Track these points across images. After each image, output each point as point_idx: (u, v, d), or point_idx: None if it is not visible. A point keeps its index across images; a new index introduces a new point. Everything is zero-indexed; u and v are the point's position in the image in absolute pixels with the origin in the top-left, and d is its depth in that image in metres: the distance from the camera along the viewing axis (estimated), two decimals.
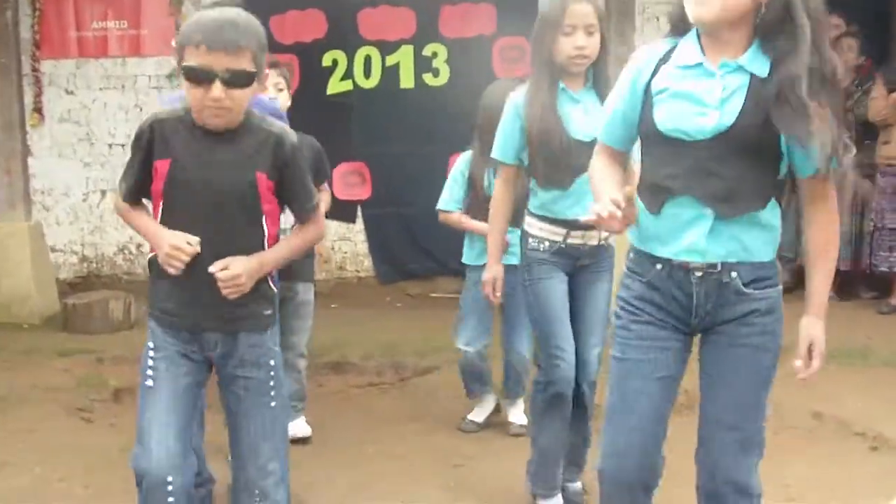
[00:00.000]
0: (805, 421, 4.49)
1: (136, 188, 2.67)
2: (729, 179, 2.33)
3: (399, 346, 5.73)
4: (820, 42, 2.25)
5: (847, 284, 6.95)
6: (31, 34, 7.31)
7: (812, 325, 2.41)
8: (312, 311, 4.33)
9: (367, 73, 7.49)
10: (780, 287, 2.48)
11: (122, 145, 7.48)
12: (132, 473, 2.64)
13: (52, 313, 6.59)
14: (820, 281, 2.43)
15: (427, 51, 7.44)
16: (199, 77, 2.44)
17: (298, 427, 4.32)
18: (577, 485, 3.68)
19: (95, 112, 7.55)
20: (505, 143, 3.42)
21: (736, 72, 2.33)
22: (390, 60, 7.46)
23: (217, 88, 2.44)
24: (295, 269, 3.93)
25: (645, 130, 2.45)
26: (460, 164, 4.40)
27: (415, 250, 7.56)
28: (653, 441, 2.52)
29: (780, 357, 2.48)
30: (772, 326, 2.44)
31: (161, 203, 2.60)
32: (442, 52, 7.43)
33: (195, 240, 2.53)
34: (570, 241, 3.39)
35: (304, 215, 2.72)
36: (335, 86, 7.46)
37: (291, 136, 2.63)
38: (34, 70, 7.37)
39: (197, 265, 2.55)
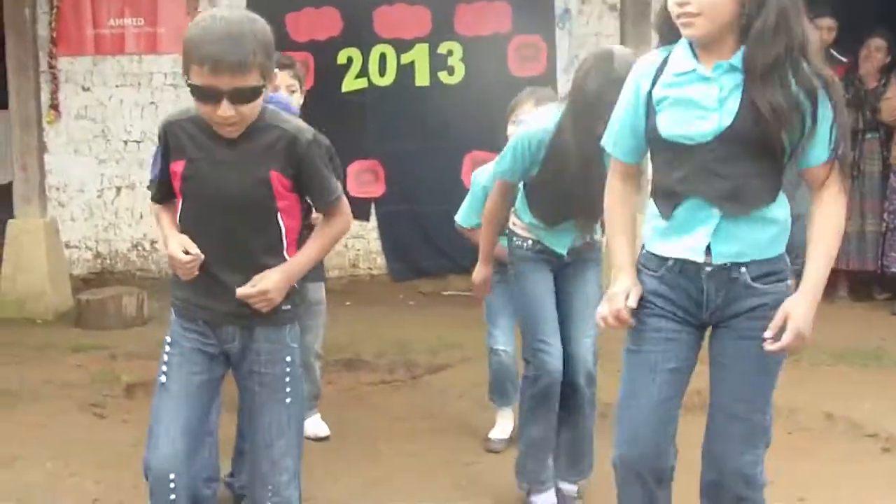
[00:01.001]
0: (817, 422, 4.47)
1: (159, 188, 2.71)
2: (734, 178, 2.38)
3: (411, 343, 5.74)
4: (791, 25, 2.30)
5: (860, 285, 6.94)
6: (48, 31, 7.35)
7: (795, 302, 2.39)
8: (325, 309, 4.33)
9: (382, 71, 7.49)
10: (790, 282, 2.51)
11: (138, 142, 7.52)
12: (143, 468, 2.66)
13: (66, 309, 6.62)
14: (816, 262, 2.41)
15: (442, 49, 7.44)
16: (206, 96, 2.42)
17: (317, 426, 4.34)
18: (573, 488, 3.66)
19: (111, 109, 7.58)
20: (514, 165, 3.40)
21: (730, 72, 2.37)
22: (405, 58, 7.46)
23: (225, 107, 2.41)
24: None
25: (651, 139, 2.51)
26: (481, 178, 4.22)
27: (428, 248, 7.56)
28: (663, 430, 2.57)
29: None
30: None
31: (181, 202, 2.62)
32: (457, 50, 7.43)
33: (193, 247, 2.54)
34: (549, 247, 3.49)
35: (326, 209, 2.69)
36: (350, 83, 7.47)
37: (307, 132, 2.60)
38: (51, 67, 7.41)
39: (215, 262, 2.57)
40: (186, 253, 2.54)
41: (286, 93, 3.94)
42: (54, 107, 7.48)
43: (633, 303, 2.54)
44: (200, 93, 2.43)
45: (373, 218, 7.68)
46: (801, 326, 2.36)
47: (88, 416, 4.65)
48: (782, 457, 4.01)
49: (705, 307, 2.50)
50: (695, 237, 2.45)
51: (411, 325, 6.27)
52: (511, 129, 3.92)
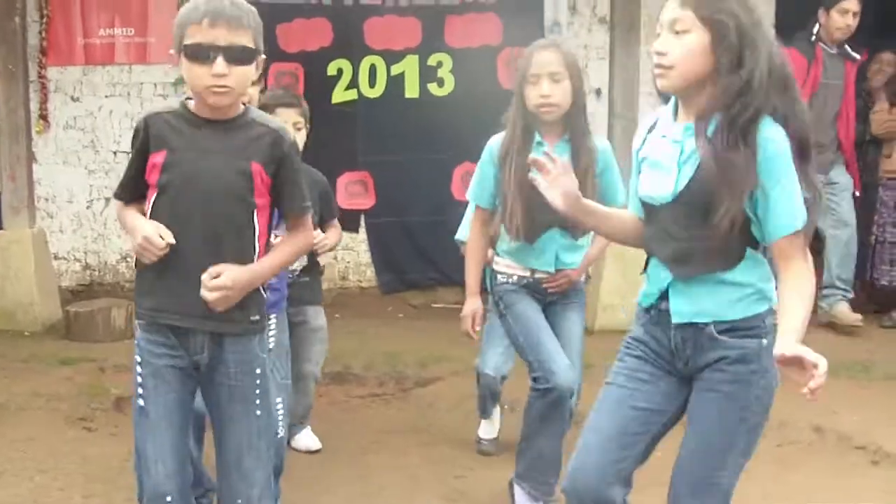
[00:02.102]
0: (806, 435, 4.49)
1: (129, 184, 2.67)
2: (684, 241, 2.39)
3: (401, 356, 5.73)
4: (761, 89, 2.27)
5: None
6: (38, 41, 7.32)
7: (793, 342, 2.20)
8: (325, 335, 4.30)
9: (372, 83, 7.49)
10: (764, 341, 2.39)
11: (127, 153, 7.41)
12: (132, 483, 2.67)
13: (55, 321, 6.59)
14: (793, 312, 2.27)
15: (432, 60, 7.44)
16: (201, 53, 2.48)
17: (307, 439, 4.33)
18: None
19: (101, 119, 7.55)
20: (481, 188, 3.50)
21: (693, 132, 2.36)
22: (395, 70, 7.46)
23: (220, 64, 2.47)
24: (302, 294, 3.93)
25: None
26: None
27: (417, 260, 7.55)
28: (611, 465, 2.49)
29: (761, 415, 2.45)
30: (743, 376, 2.39)
31: (155, 195, 2.59)
32: (447, 61, 7.43)
33: (167, 233, 2.52)
34: (537, 276, 3.53)
35: (295, 216, 2.69)
36: (340, 94, 7.46)
37: (289, 133, 2.66)
38: (40, 76, 7.38)
39: (184, 258, 2.54)
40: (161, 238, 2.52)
41: (292, 130, 3.89)
42: (43, 117, 7.45)
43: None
44: (196, 50, 2.48)
45: (362, 230, 7.67)
46: (813, 356, 2.16)
47: (77, 430, 4.63)
48: (772, 470, 4.04)
49: (677, 356, 2.49)
50: (658, 294, 2.49)
51: (401, 338, 6.26)
52: None
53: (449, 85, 7.47)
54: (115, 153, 7.54)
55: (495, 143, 3.44)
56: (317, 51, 7.38)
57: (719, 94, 2.30)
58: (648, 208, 2.50)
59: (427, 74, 7.44)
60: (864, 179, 6.71)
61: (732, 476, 2.48)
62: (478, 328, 3.65)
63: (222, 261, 2.55)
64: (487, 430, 4.48)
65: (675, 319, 2.45)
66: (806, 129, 2.33)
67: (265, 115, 2.69)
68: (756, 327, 2.41)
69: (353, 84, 7.45)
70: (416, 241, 7.50)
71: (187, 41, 2.49)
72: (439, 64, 7.45)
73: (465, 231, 4.23)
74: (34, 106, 7.21)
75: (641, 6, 6.36)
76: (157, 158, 2.57)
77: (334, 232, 4.11)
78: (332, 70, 7.42)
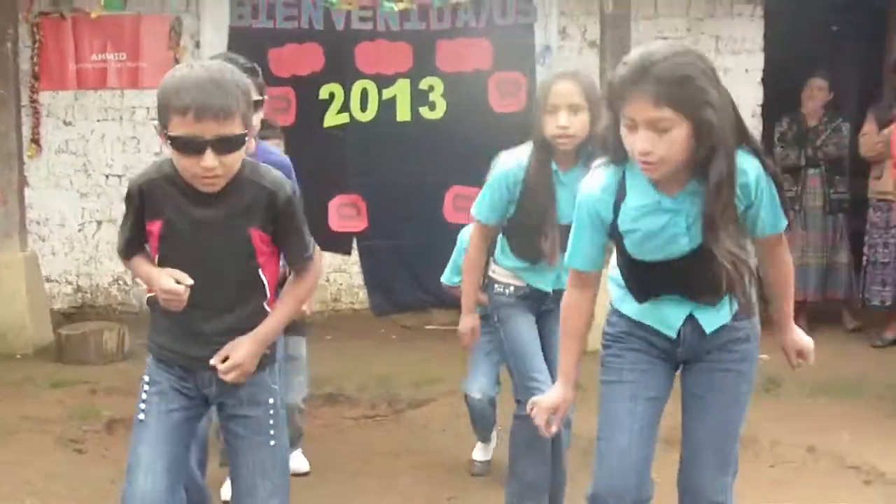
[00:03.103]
0: (799, 454, 4.48)
1: (130, 245, 2.65)
2: (710, 278, 2.44)
3: (394, 378, 5.72)
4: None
5: (836, 318, 7.01)
6: (30, 65, 7.35)
7: (794, 331, 2.74)
8: (306, 365, 4.28)
9: (364, 106, 7.52)
10: (756, 318, 2.65)
11: (119, 176, 7.50)
12: None
13: (46, 343, 6.57)
14: (787, 307, 2.72)
15: (423, 84, 7.48)
16: (188, 147, 2.35)
17: (297, 461, 4.31)
18: None
19: (93, 143, 7.57)
20: (491, 207, 3.45)
21: (691, 196, 2.42)
22: (387, 94, 7.49)
23: (209, 158, 2.35)
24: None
25: (619, 252, 2.58)
26: (466, 237, 4.29)
27: (410, 282, 7.56)
28: (643, 461, 2.59)
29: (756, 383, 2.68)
30: (750, 353, 2.62)
31: (157, 259, 2.59)
32: (438, 85, 7.47)
33: (183, 276, 2.50)
34: (534, 286, 3.51)
35: (298, 265, 2.67)
36: (332, 118, 7.49)
37: (285, 187, 2.55)
38: (32, 101, 7.40)
39: (194, 318, 2.55)
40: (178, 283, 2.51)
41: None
42: (35, 141, 7.46)
43: (554, 427, 2.69)
44: (183, 144, 2.35)
45: (354, 252, 7.68)
46: (809, 341, 2.74)
47: (68, 452, 4.61)
48: (764, 490, 4.04)
49: (679, 345, 2.59)
50: (666, 318, 2.57)
51: (393, 360, 6.25)
52: None
53: (440, 109, 7.50)
54: (107, 177, 7.55)
55: (512, 166, 3.39)
56: (308, 75, 7.41)
57: (695, 158, 2.36)
58: (653, 265, 2.51)
59: (418, 98, 7.48)
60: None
61: (737, 449, 2.65)
62: (474, 343, 3.65)
63: (232, 312, 2.56)
64: (481, 452, 4.47)
65: (708, 330, 2.56)
66: (771, 162, 2.51)
67: (258, 170, 2.55)
68: (752, 306, 2.60)
69: (345, 108, 7.49)
70: (409, 264, 7.51)
71: (172, 132, 2.36)
72: (431, 88, 7.49)
73: (452, 275, 4.31)
74: (26, 130, 7.23)
75: (631, 31, 6.41)
76: (154, 228, 2.54)
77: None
78: (323, 94, 7.45)
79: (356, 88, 7.47)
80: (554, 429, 2.70)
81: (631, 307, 2.61)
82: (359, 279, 7.72)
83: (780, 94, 7.16)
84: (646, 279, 2.56)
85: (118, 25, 7.43)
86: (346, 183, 7.51)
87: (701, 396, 2.61)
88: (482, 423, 4.41)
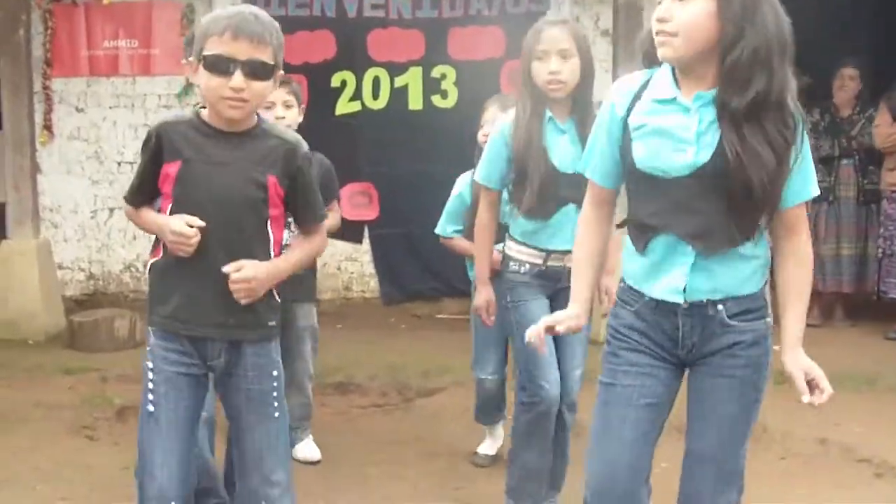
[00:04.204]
0: (810, 447, 4.47)
1: (140, 191, 2.68)
2: (707, 215, 2.30)
3: (404, 367, 5.73)
4: (767, 64, 2.22)
5: (853, 309, 6.99)
6: (42, 52, 7.35)
7: (799, 357, 2.37)
8: (316, 333, 4.29)
9: (376, 95, 7.50)
10: (769, 319, 2.44)
11: (131, 163, 7.50)
12: (134, 492, 2.66)
13: (58, 331, 6.60)
14: (799, 314, 2.41)
15: (436, 72, 7.46)
16: (221, 65, 2.47)
17: (308, 449, 4.32)
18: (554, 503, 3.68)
19: (105, 130, 7.57)
20: (491, 168, 3.44)
21: (710, 104, 2.28)
22: (399, 82, 7.47)
23: (238, 77, 2.46)
24: (294, 291, 3.86)
25: (627, 168, 2.42)
26: (460, 185, 4.31)
27: (421, 271, 7.55)
28: (635, 468, 2.47)
29: (766, 391, 2.46)
30: (757, 359, 2.42)
31: (170, 205, 2.60)
32: (451, 73, 7.45)
33: (194, 219, 2.53)
34: (550, 263, 3.42)
35: (310, 226, 2.72)
36: (344, 106, 7.48)
37: (304, 145, 2.66)
38: (45, 88, 7.40)
39: (202, 267, 2.56)
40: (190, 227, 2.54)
41: (283, 109, 3.88)
42: (48, 128, 7.47)
43: (561, 328, 2.55)
44: (216, 61, 2.47)
45: (366, 241, 7.67)
46: (821, 372, 2.34)
47: (79, 439, 4.62)
48: (776, 482, 4.03)
49: (681, 344, 2.43)
50: (672, 276, 2.37)
51: (404, 349, 6.26)
52: (481, 136, 4.02)
53: (452, 97, 7.47)
54: (119, 164, 7.56)
55: (506, 122, 3.38)
56: (320, 63, 7.39)
57: (731, 68, 2.21)
58: (654, 181, 2.34)
59: (430, 86, 7.45)
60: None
61: (745, 459, 2.49)
62: (492, 316, 3.58)
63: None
64: (488, 446, 4.42)
65: (689, 297, 2.36)
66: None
67: (278, 127, 2.70)
68: (761, 307, 2.41)
69: (357, 96, 7.47)
70: (420, 252, 7.50)
71: (207, 52, 2.49)
72: (443, 76, 7.46)
73: (446, 225, 4.28)
74: (38, 117, 7.24)
75: (644, 19, 6.37)
76: (171, 169, 2.57)
77: (333, 215, 4.09)
78: (335, 82, 7.44)
79: (368, 76, 7.45)
80: (536, 331, 2.56)
81: (637, 274, 2.44)
82: (370, 268, 7.72)
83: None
84: (647, 209, 2.38)
85: (130, 12, 7.42)
86: (358, 171, 7.49)
87: (703, 404, 2.46)
88: (489, 406, 4.35)
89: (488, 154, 3.44)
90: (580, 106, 3.32)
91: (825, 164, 6.80)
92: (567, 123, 3.32)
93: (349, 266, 7.68)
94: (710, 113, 2.27)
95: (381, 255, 7.67)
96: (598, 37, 7.36)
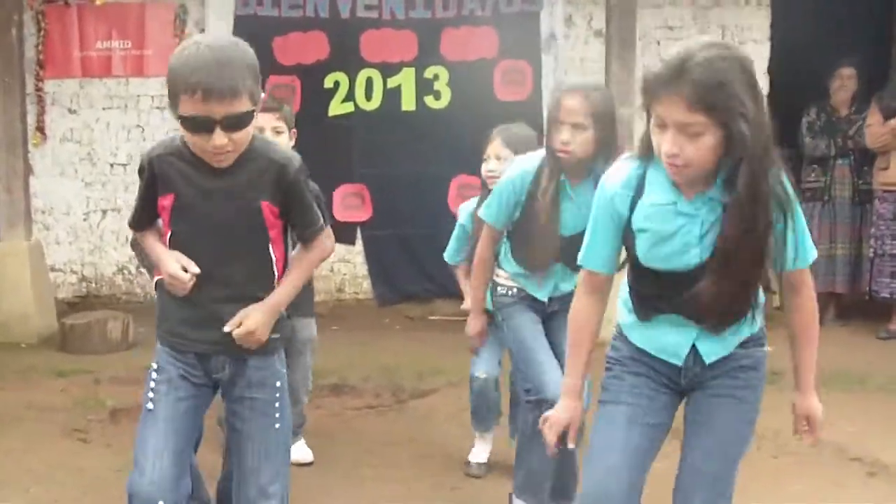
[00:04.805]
0: (802, 446, 4.43)
1: (141, 219, 2.70)
2: (717, 299, 2.35)
3: (397, 368, 5.73)
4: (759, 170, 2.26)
5: (844, 309, 7.01)
6: (35, 53, 7.35)
7: (808, 401, 2.57)
8: (316, 346, 4.28)
9: (369, 95, 7.51)
10: (767, 348, 2.53)
11: (124, 165, 7.51)
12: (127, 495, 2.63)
13: (51, 333, 6.58)
14: (807, 359, 2.54)
15: (428, 73, 7.47)
16: (198, 126, 2.40)
17: (300, 452, 4.31)
18: None
19: (98, 132, 7.57)
20: (500, 210, 3.47)
21: (709, 203, 2.34)
22: (392, 83, 7.49)
23: (218, 136, 2.39)
24: (293, 305, 3.85)
25: (630, 258, 2.48)
26: (462, 215, 4.28)
27: (414, 272, 7.56)
28: (631, 484, 2.49)
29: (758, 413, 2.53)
30: (754, 382, 2.50)
31: (169, 233, 2.61)
32: (443, 74, 7.46)
33: (190, 264, 2.54)
34: (531, 295, 3.54)
35: (307, 237, 2.70)
36: (336, 107, 7.48)
37: (295, 159, 2.59)
38: (37, 89, 7.40)
39: (205, 291, 2.56)
40: (185, 271, 2.53)
41: (272, 135, 3.80)
42: (40, 129, 7.47)
43: (571, 444, 2.64)
44: (193, 123, 2.40)
45: (359, 242, 7.67)
46: (821, 419, 2.56)
47: (72, 441, 4.61)
48: (768, 481, 4.04)
49: (683, 375, 2.50)
50: (674, 347, 2.47)
51: (397, 350, 6.26)
52: (485, 171, 4.03)
53: (445, 98, 7.49)
54: (111, 165, 7.56)
55: (523, 170, 3.40)
56: (313, 64, 7.40)
57: (729, 173, 2.28)
58: (661, 275, 2.42)
59: (423, 87, 7.46)
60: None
61: (735, 477, 2.54)
62: (481, 343, 3.67)
63: (241, 292, 2.57)
64: (479, 452, 4.38)
65: (707, 360, 2.46)
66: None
67: (267, 145, 2.62)
68: (759, 337, 2.51)
69: (350, 97, 7.48)
70: (413, 254, 7.51)
71: (182, 112, 2.40)
72: (436, 77, 7.47)
73: (453, 252, 4.29)
74: (31, 119, 7.24)
75: (637, 20, 6.39)
76: (166, 202, 2.57)
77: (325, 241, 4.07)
78: (328, 83, 7.45)
79: (361, 77, 7.46)
80: (571, 445, 2.65)
81: (636, 334, 2.53)
82: (363, 269, 7.72)
83: (785, 84, 7.14)
84: (651, 292, 2.46)
85: (123, 13, 7.42)
86: (351, 172, 7.50)
87: (700, 422, 2.51)
88: (484, 407, 4.31)
89: (500, 199, 3.45)
90: (597, 175, 3.34)
91: (821, 163, 6.83)
92: (577, 189, 3.35)
93: (342, 268, 7.68)
94: (711, 213, 2.34)
95: (374, 257, 7.67)
96: (591, 37, 7.39)
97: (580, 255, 2.57)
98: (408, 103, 7.50)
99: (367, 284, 7.73)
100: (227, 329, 2.54)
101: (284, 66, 7.22)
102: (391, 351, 6.22)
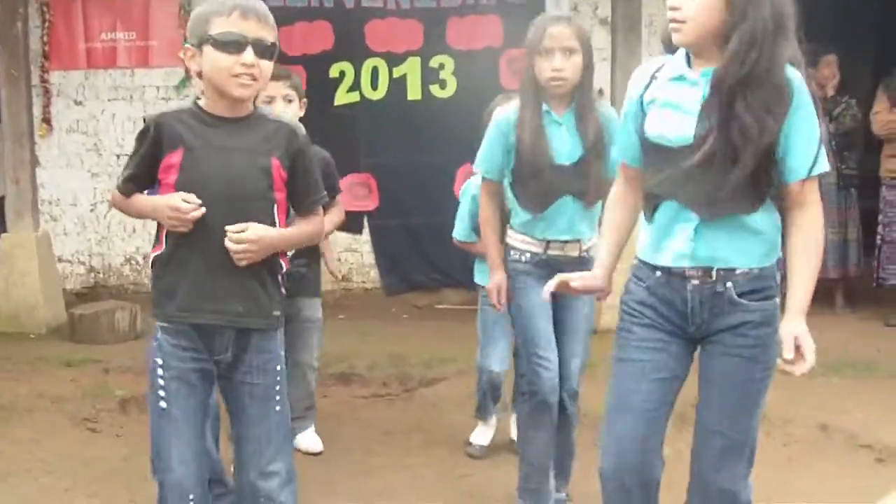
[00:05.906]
0: (812, 433, 4.48)
1: (134, 180, 2.69)
2: (709, 183, 2.37)
3: (405, 357, 5.73)
4: (767, 42, 2.30)
5: (853, 296, 7.02)
6: (40, 45, 7.35)
7: (793, 324, 2.35)
8: (321, 326, 4.29)
9: (375, 85, 7.50)
10: (778, 300, 2.49)
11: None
12: (137, 483, 2.69)
13: (59, 323, 6.60)
14: (804, 282, 2.40)
15: (434, 62, 7.46)
16: (232, 43, 2.48)
17: (310, 441, 4.32)
18: (562, 495, 3.67)
19: (104, 123, 7.58)
20: (491, 160, 3.46)
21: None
22: (397, 72, 7.47)
23: (249, 54, 2.49)
24: (298, 285, 3.86)
25: (641, 140, 2.54)
26: (469, 189, 4.25)
27: (421, 262, 7.56)
28: (650, 440, 2.55)
29: (775, 370, 2.47)
30: (765, 339, 2.45)
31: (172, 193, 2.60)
32: (449, 63, 7.44)
33: (191, 196, 2.54)
34: (550, 252, 3.44)
35: (309, 207, 2.73)
36: (342, 97, 7.48)
37: (303, 129, 2.69)
38: (43, 81, 7.41)
39: (208, 253, 2.57)
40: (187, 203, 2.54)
41: (283, 103, 3.83)
42: (46, 120, 7.48)
43: (576, 283, 2.72)
44: (226, 40, 2.49)
45: (366, 231, 7.67)
46: (812, 345, 2.32)
47: (81, 431, 4.63)
48: (778, 469, 4.04)
49: (690, 320, 2.49)
50: (676, 241, 2.46)
51: (405, 339, 6.27)
52: None
53: (451, 87, 7.48)
54: (118, 156, 7.56)
55: (504, 114, 3.41)
56: (319, 53, 7.39)
57: (734, 48, 2.31)
58: (662, 151, 2.46)
59: (429, 76, 7.45)
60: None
61: (756, 433, 2.54)
62: (504, 301, 3.54)
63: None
64: (481, 435, 4.42)
65: (693, 263, 2.44)
66: (806, 76, 2.40)
67: (274, 112, 2.74)
68: (770, 287, 2.47)
69: (356, 86, 7.47)
70: (420, 243, 7.51)
71: (214, 31, 2.49)
72: (441, 66, 7.46)
73: (461, 229, 4.27)
74: (37, 110, 7.24)
75: (642, 7, 6.36)
76: (174, 158, 2.57)
77: (337, 211, 4.08)
78: (334, 72, 7.44)
79: (366, 67, 7.45)
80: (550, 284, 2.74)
81: (648, 249, 2.53)
82: (370, 258, 7.73)
83: None
84: (653, 178, 2.48)
85: (127, 4, 7.42)
86: (357, 162, 7.49)
87: (710, 381, 2.52)
88: (493, 398, 4.38)
89: (488, 146, 3.45)
90: (580, 100, 3.34)
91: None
92: (564, 116, 3.34)
93: (349, 257, 7.69)
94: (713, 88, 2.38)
95: (380, 246, 7.68)
96: (597, 25, 7.36)
97: (614, 149, 2.73)
98: (413, 92, 7.49)
99: (373, 273, 7.74)
100: (228, 228, 2.53)
101: (290, 56, 7.20)
102: (399, 340, 6.23)
